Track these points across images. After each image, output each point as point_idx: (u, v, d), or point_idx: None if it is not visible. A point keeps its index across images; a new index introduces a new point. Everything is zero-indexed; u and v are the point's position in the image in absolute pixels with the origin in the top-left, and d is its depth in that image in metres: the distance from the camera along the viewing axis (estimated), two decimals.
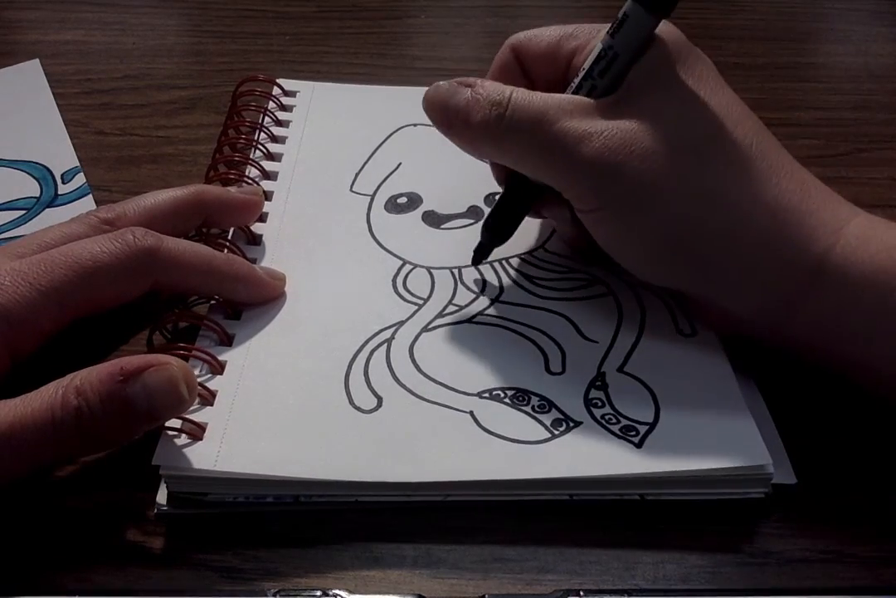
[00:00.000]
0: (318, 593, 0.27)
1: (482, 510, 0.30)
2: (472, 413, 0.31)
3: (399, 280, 0.37)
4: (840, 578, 0.28)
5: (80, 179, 0.45)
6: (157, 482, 0.30)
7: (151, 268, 0.32)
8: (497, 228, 0.36)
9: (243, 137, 0.45)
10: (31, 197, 0.44)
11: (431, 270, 0.38)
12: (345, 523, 0.30)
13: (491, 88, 0.33)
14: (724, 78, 0.33)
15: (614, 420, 0.31)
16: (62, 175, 0.45)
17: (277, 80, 0.49)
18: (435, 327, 0.35)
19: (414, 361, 0.33)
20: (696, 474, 0.29)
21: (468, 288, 0.37)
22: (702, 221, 0.31)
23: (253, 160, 0.43)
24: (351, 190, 0.43)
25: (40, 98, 0.51)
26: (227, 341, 0.34)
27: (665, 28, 0.32)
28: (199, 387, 0.31)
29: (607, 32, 0.32)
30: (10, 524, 0.29)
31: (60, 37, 0.59)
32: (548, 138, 0.31)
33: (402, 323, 0.35)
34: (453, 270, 0.38)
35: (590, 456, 0.30)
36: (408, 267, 0.38)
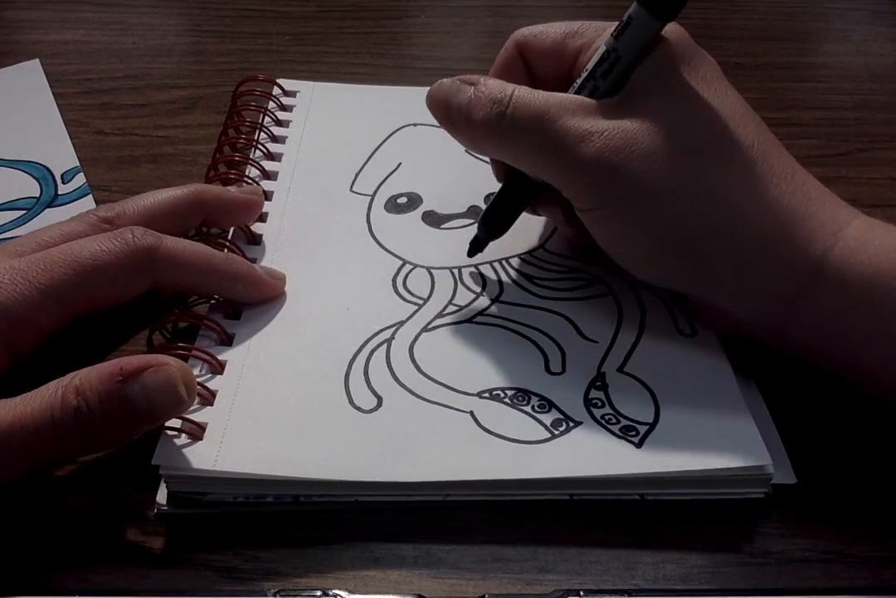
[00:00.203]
0: (318, 593, 0.27)
1: (482, 510, 0.30)
2: (472, 413, 0.31)
3: (399, 280, 0.37)
4: (840, 578, 0.28)
5: (80, 179, 0.45)
6: (157, 482, 0.30)
7: (151, 267, 0.32)
8: (493, 222, 0.36)
9: (243, 136, 0.45)
10: (31, 197, 0.44)
11: (431, 270, 0.38)
12: (345, 523, 0.30)
13: (493, 86, 0.33)
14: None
15: (614, 420, 0.31)
16: (62, 175, 0.45)
17: (277, 80, 0.49)
18: (435, 327, 0.35)
19: (414, 361, 0.33)
20: (695, 474, 0.29)
21: (468, 288, 0.37)
22: (701, 222, 0.31)
23: (253, 160, 0.43)
24: (351, 190, 0.43)
25: (40, 98, 0.51)
26: (227, 341, 0.34)
27: (670, 28, 0.32)
28: (199, 387, 0.31)
29: (611, 34, 0.31)
30: (10, 524, 0.29)
31: (60, 37, 0.59)
32: (548, 137, 0.31)
33: (402, 323, 0.35)
34: (453, 270, 0.38)
35: (590, 456, 0.30)
36: (408, 267, 0.38)
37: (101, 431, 0.28)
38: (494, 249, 0.37)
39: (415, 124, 0.46)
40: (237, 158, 0.43)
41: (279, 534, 0.29)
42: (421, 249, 0.39)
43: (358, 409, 0.31)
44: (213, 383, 0.32)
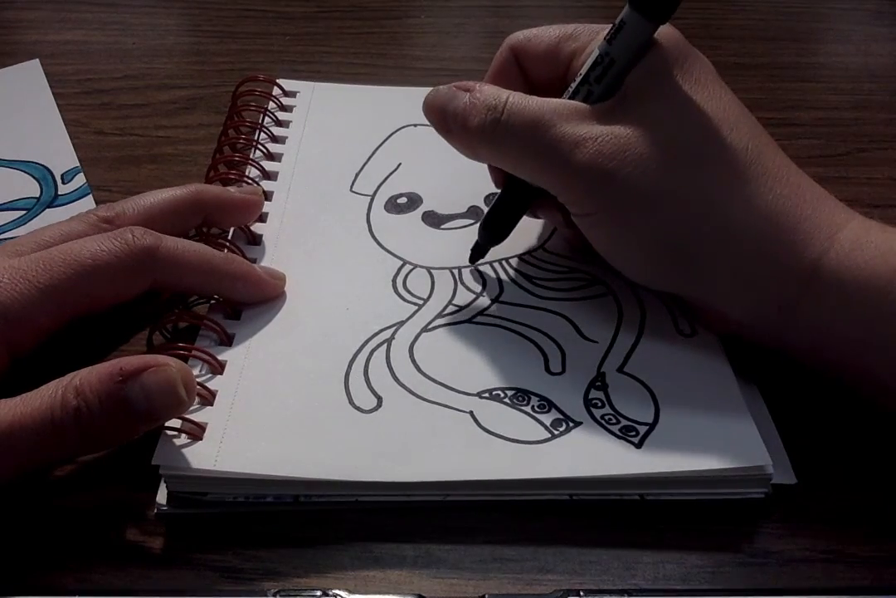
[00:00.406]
0: (318, 593, 0.27)
1: (482, 510, 0.30)
2: (471, 413, 0.31)
3: (399, 280, 0.37)
4: (840, 578, 0.28)
5: (80, 180, 0.45)
6: (157, 482, 0.30)
7: (150, 267, 0.32)
8: (494, 228, 0.37)
9: (243, 137, 0.45)
10: (31, 197, 0.44)
11: (431, 271, 0.38)
12: (345, 523, 0.30)
13: (488, 93, 0.33)
14: (724, 78, 0.33)
15: (614, 420, 0.31)
16: (62, 175, 0.45)
17: (277, 81, 0.49)
18: (435, 327, 0.35)
19: (414, 361, 0.33)
20: (695, 474, 0.29)
21: (468, 288, 0.37)
22: (695, 227, 0.31)
23: (253, 160, 0.43)
24: (351, 190, 0.43)
25: (40, 98, 0.51)
26: (227, 341, 0.34)
27: (664, 30, 0.32)
28: (199, 387, 0.31)
29: (604, 38, 0.31)
30: (10, 524, 0.29)
31: (60, 37, 0.59)
32: (543, 143, 0.31)
33: (402, 323, 0.35)
34: (453, 270, 0.38)
35: (590, 456, 0.30)
36: (408, 267, 0.38)
37: (100, 431, 0.28)
38: (494, 249, 0.37)
39: (415, 124, 0.46)
40: (237, 159, 0.43)
41: (279, 534, 0.29)
42: (421, 250, 0.39)
43: (358, 409, 0.31)
44: (213, 383, 0.32)
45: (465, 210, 0.41)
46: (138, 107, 0.51)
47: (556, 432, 0.31)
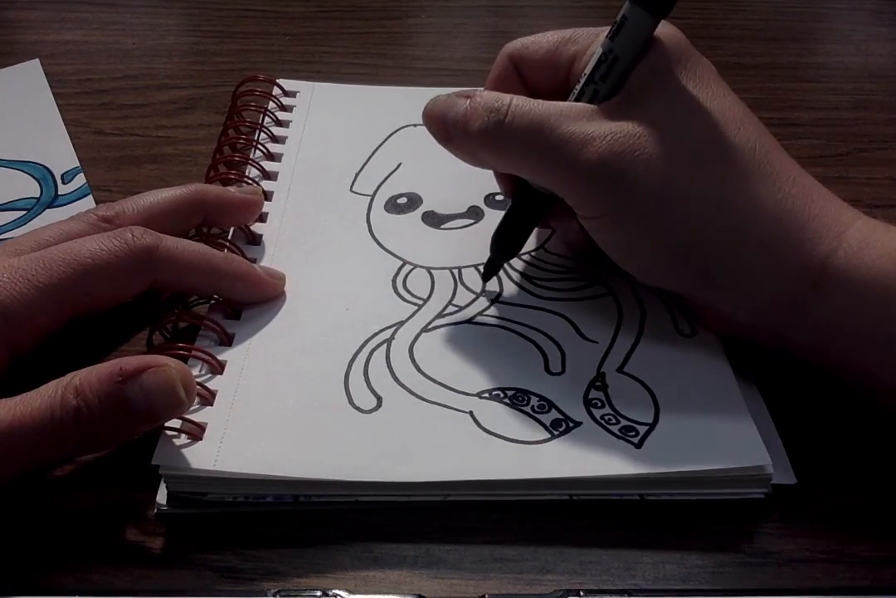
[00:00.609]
0: (318, 593, 0.27)
1: (482, 510, 0.30)
2: (471, 413, 0.31)
3: (399, 280, 0.37)
4: (840, 578, 0.28)
5: (80, 180, 0.45)
6: (157, 482, 0.30)
7: (150, 266, 0.32)
8: (505, 242, 0.36)
9: (243, 137, 0.45)
10: (32, 197, 0.44)
11: (431, 271, 0.38)
12: (345, 523, 0.30)
13: (489, 97, 0.32)
14: (724, 78, 0.33)
15: (614, 421, 0.31)
16: (62, 175, 0.45)
17: (277, 81, 0.49)
18: (435, 328, 0.35)
19: (414, 361, 0.33)
20: (695, 474, 0.29)
21: (468, 288, 0.37)
22: (704, 227, 0.31)
23: (253, 160, 0.43)
24: (351, 190, 0.43)
25: (40, 98, 0.51)
26: (227, 341, 0.34)
27: (666, 30, 0.32)
28: (199, 387, 0.31)
29: (607, 36, 0.31)
30: (10, 524, 0.29)
31: (60, 37, 0.59)
32: (549, 144, 0.31)
33: (401, 323, 0.35)
34: (453, 270, 0.38)
35: (589, 456, 0.30)
36: (408, 267, 0.38)
37: (100, 431, 0.28)
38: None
39: (415, 125, 0.46)
40: (237, 159, 0.43)
41: (279, 534, 0.29)
42: (421, 250, 0.39)
43: (358, 409, 0.31)
44: (213, 383, 0.32)
45: (465, 210, 0.41)
46: (138, 107, 0.51)
47: (555, 433, 0.31)
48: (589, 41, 0.33)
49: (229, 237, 0.38)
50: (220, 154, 0.43)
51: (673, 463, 0.29)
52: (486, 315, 0.35)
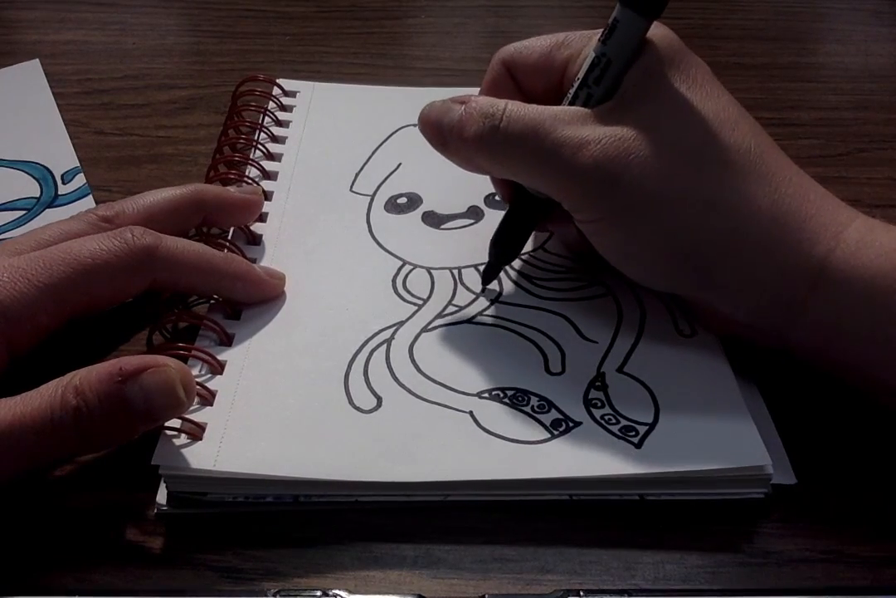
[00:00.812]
0: (318, 593, 0.27)
1: (482, 510, 0.30)
2: (471, 413, 0.31)
3: (399, 280, 0.37)
4: (840, 578, 0.28)
5: (80, 180, 0.45)
6: (157, 482, 0.30)
7: (150, 266, 0.32)
8: (504, 246, 0.36)
9: (243, 137, 0.45)
10: (32, 197, 0.44)
11: (431, 271, 0.38)
12: (345, 523, 0.30)
13: (484, 102, 0.32)
14: (724, 78, 0.33)
15: (614, 421, 0.31)
16: (62, 175, 0.45)
17: (277, 81, 0.49)
18: (434, 328, 0.35)
19: (413, 361, 0.33)
20: (695, 474, 0.29)
21: (468, 288, 0.37)
22: (701, 228, 0.31)
23: (253, 160, 0.43)
24: (351, 190, 0.43)
25: (40, 98, 0.51)
26: (227, 341, 0.34)
27: (659, 31, 0.32)
28: (199, 387, 0.31)
29: (599, 39, 0.31)
30: (10, 524, 0.29)
31: (60, 37, 0.59)
32: (544, 148, 0.31)
33: (401, 323, 0.35)
34: (453, 270, 0.38)
35: (589, 456, 0.30)
36: (408, 267, 0.38)
37: (99, 431, 0.28)
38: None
39: (415, 124, 0.46)
40: (237, 159, 0.43)
41: (279, 534, 0.29)
42: (421, 250, 0.39)
43: (357, 409, 0.31)
44: (213, 383, 0.32)
45: (465, 210, 0.41)
46: (138, 107, 0.51)
47: (555, 433, 0.31)
48: (582, 45, 0.33)
49: (229, 237, 0.38)
50: (220, 154, 0.43)
51: (673, 463, 0.29)
52: (486, 315, 0.35)
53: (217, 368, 0.33)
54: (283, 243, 0.39)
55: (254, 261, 0.38)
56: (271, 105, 0.48)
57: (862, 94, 0.54)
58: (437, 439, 0.30)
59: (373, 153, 0.45)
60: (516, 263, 0.38)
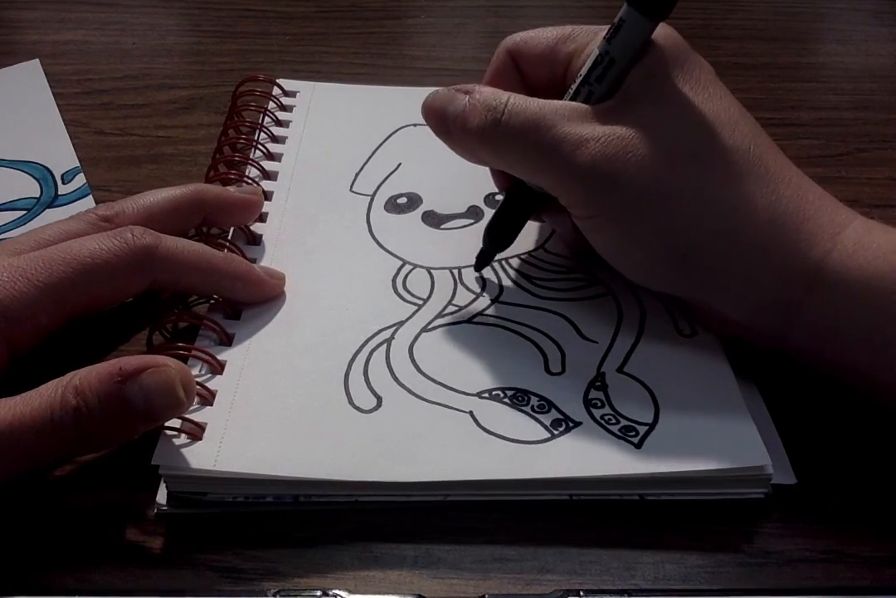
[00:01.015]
0: (318, 593, 0.27)
1: (482, 510, 0.30)
2: (471, 413, 0.31)
3: (399, 280, 0.37)
4: (840, 578, 0.28)
5: (80, 180, 0.45)
6: (157, 482, 0.30)
7: (150, 266, 0.32)
8: (499, 234, 0.36)
9: (243, 137, 0.45)
10: (32, 197, 0.44)
11: (431, 271, 0.38)
12: (345, 523, 0.30)
13: (488, 94, 0.32)
14: (724, 78, 0.33)
15: (614, 421, 0.31)
16: (62, 175, 0.45)
17: (277, 81, 0.49)
18: (435, 328, 0.35)
19: (413, 361, 0.33)
20: (695, 474, 0.29)
21: (468, 288, 0.37)
22: (698, 229, 0.31)
23: (253, 160, 0.43)
24: (351, 190, 0.43)
25: (40, 98, 0.51)
26: (227, 341, 0.34)
27: (663, 31, 0.32)
28: (199, 387, 0.31)
29: (604, 37, 0.31)
30: (10, 524, 0.29)
31: (60, 37, 0.59)
32: (544, 143, 0.31)
33: (401, 323, 0.35)
34: (453, 270, 0.38)
35: (589, 456, 0.30)
36: (408, 267, 0.38)
37: (99, 431, 0.28)
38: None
39: (415, 124, 0.46)
40: (237, 159, 0.43)
41: (279, 534, 0.29)
42: (421, 250, 0.39)
43: (357, 409, 0.31)
44: (213, 383, 0.32)
45: (464, 210, 0.41)
46: (138, 107, 0.51)
47: (555, 432, 0.31)
48: (588, 40, 0.33)
49: (229, 237, 0.38)
50: (220, 154, 0.43)
51: (673, 463, 0.29)
52: (486, 315, 0.35)
53: (217, 368, 0.33)
54: (283, 243, 0.39)
55: (254, 261, 0.38)
56: (271, 105, 0.48)
57: (862, 94, 0.54)
58: (437, 439, 0.30)
59: (373, 153, 0.45)
60: (516, 263, 0.38)
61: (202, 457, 0.29)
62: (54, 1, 0.63)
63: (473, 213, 0.41)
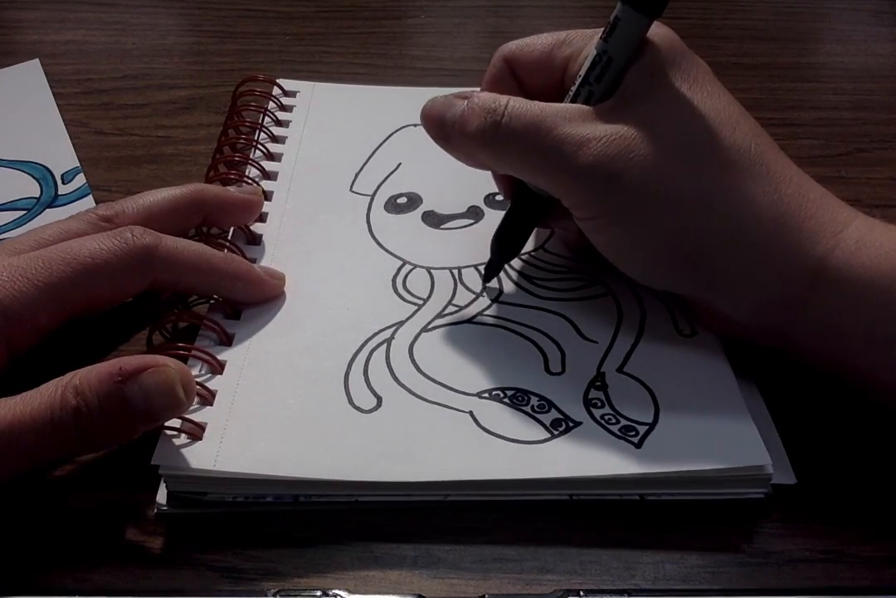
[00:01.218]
0: (318, 593, 0.27)
1: (482, 510, 0.30)
2: (471, 413, 0.31)
3: (399, 280, 0.37)
4: (840, 578, 0.28)
5: (80, 180, 0.45)
6: (157, 482, 0.30)
7: (149, 266, 0.32)
8: (505, 243, 0.36)
9: (243, 137, 0.45)
10: (32, 197, 0.44)
11: (431, 271, 0.38)
12: (345, 523, 0.30)
13: (486, 97, 0.32)
14: (724, 78, 0.33)
15: (614, 420, 0.31)
16: (62, 175, 0.45)
17: (277, 81, 0.49)
18: (434, 328, 0.35)
19: (413, 361, 0.33)
20: (695, 474, 0.29)
21: (468, 288, 0.37)
22: (700, 228, 0.31)
23: (253, 160, 0.43)
24: (351, 190, 0.43)
25: (40, 98, 0.51)
26: (227, 341, 0.34)
27: (660, 31, 0.32)
28: (199, 387, 0.31)
29: (600, 37, 0.31)
30: (10, 523, 0.29)
31: (60, 37, 0.59)
32: (545, 144, 0.31)
33: (401, 323, 0.35)
34: (453, 270, 0.38)
35: (589, 456, 0.30)
36: (407, 267, 0.38)
37: (99, 431, 0.28)
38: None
39: (415, 124, 0.46)
40: (237, 159, 0.43)
41: (279, 534, 0.29)
42: (421, 250, 0.39)
43: (357, 409, 0.31)
44: (213, 383, 0.32)
45: (464, 210, 0.41)
46: (138, 107, 0.51)
47: (555, 432, 0.31)
48: (583, 43, 0.33)
49: (229, 237, 0.38)
50: (220, 154, 0.43)
51: (673, 463, 0.29)
52: (486, 315, 0.35)
53: (217, 368, 0.33)
54: (283, 243, 0.39)
55: (254, 261, 0.38)
56: (271, 105, 0.48)
57: (862, 94, 0.54)
58: (437, 439, 0.30)
59: (373, 153, 0.45)
60: (517, 263, 0.38)
61: (202, 457, 0.29)
62: (54, 1, 0.63)
63: (473, 213, 0.41)
